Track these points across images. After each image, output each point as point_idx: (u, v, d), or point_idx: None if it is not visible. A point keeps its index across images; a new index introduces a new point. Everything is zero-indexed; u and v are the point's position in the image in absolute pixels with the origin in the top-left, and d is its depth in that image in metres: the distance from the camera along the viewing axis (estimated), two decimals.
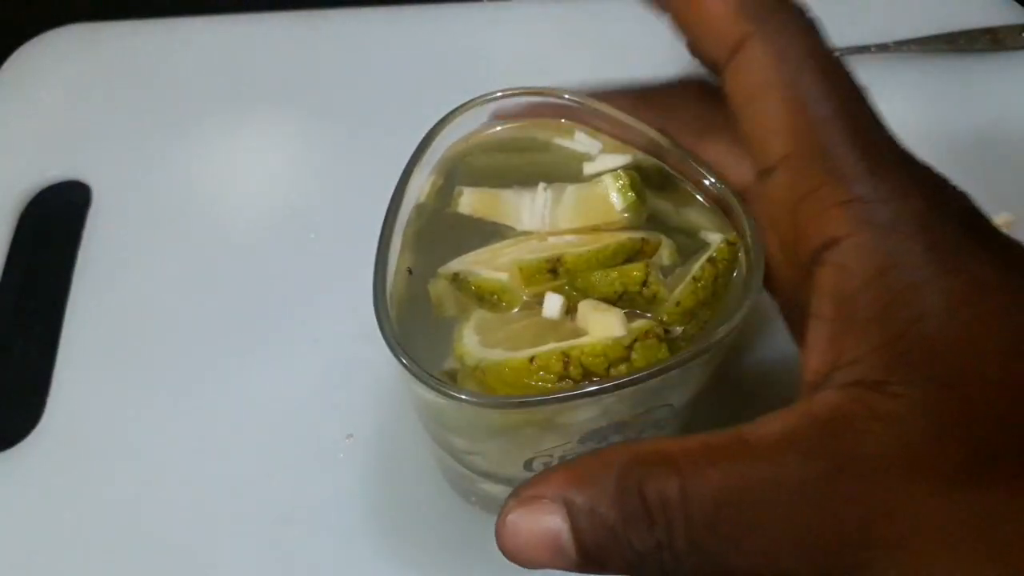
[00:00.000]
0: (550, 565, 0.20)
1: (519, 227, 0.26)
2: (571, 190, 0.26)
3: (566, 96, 0.26)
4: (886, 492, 0.18)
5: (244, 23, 0.49)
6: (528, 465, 0.25)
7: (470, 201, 0.26)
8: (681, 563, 0.19)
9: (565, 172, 0.26)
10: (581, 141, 0.27)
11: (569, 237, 0.25)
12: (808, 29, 0.22)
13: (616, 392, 0.21)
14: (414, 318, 0.24)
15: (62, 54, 0.48)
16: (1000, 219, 0.40)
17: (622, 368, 0.22)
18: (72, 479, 0.35)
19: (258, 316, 0.38)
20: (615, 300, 0.23)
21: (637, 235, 0.25)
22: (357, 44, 0.48)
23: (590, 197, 0.26)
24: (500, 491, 0.29)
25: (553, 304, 0.23)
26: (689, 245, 0.25)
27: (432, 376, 0.21)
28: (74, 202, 0.42)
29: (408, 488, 0.34)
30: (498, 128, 0.27)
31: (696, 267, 0.24)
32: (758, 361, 0.36)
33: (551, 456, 0.24)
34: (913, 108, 0.45)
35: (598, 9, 0.45)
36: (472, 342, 0.23)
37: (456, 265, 0.25)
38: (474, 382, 0.23)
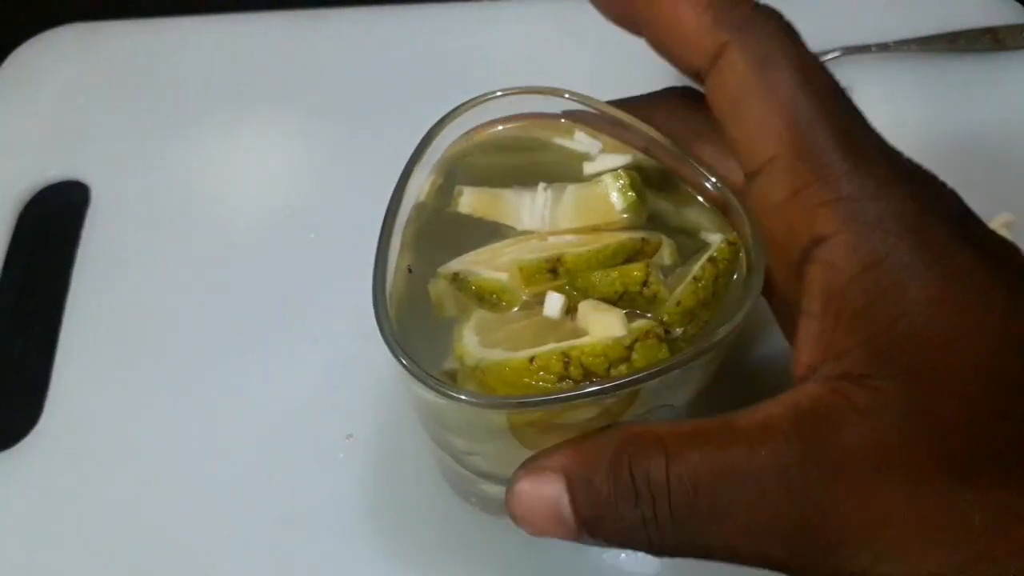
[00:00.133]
0: (554, 533, 0.22)
1: (519, 227, 0.26)
2: (571, 190, 0.26)
3: (566, 96, 0.26)
4: (857, 481, 0.19)
5: (243, 22, 0.49)
6: None
7: (470, 201, 0.26)
8: (665, 538, 0.20)
9: (565, 172, 0.26)
10: (581, 141, 0.27)
11: (569, 237, 0.25)
12: (784, 32, 0.22)
13: (616, 392, 0.21)
14: (414, 318, 0.24)
15: (61, 53, 0.48)
16: (1000, 219, 0.40)
17: (622, 368, 0.22)
18: (71, 479, 0.35)
19: (258, 316, 0.38)
20: (615, 300, 0.23)
21: (637, 235, 0.25)
22: (357, 43, 0.48)
23: (590, 197, 0.26)
24: (500, 491, 0.29)
25: (554, 303, 0.23)
26: (689, 245, 0.25)
27: (432, 376, 0.21)
28: (73, 202, 0.42)
29: (408, 488, 0.34)
30: (498, 128, 0.27)
31: (697, 267, 0.24)
32: (758, 361, 0.36)
33: None
34: (913, 108, 0.45)
35: None
36: (472, 342, 0.23)
37: (456, 265, 0.25)
38: (474, 382, 0.23)
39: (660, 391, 0.23)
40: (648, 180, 0.26)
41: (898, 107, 0.45)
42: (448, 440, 0.27)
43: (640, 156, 0.26)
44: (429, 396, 0.22)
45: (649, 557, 0.33)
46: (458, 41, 0.48)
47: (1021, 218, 0.40)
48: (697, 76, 0.23)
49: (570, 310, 0.23)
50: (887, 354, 0.20)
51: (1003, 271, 0.20)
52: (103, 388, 0.37)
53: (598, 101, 0.26)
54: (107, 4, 0.50)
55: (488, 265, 0.24)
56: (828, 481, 0.19)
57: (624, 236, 0.25)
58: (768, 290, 0.24)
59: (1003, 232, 0.27)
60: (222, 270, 0.40)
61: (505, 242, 0.25)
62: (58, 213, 0.42)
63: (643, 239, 0.24)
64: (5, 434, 0.36)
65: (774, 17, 0.22)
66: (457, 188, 0.26)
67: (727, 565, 0.21)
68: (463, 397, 0.21)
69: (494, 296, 0.24)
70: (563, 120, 0.27)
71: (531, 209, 0.26)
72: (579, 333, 0.23)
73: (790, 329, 0.23)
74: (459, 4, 0.49)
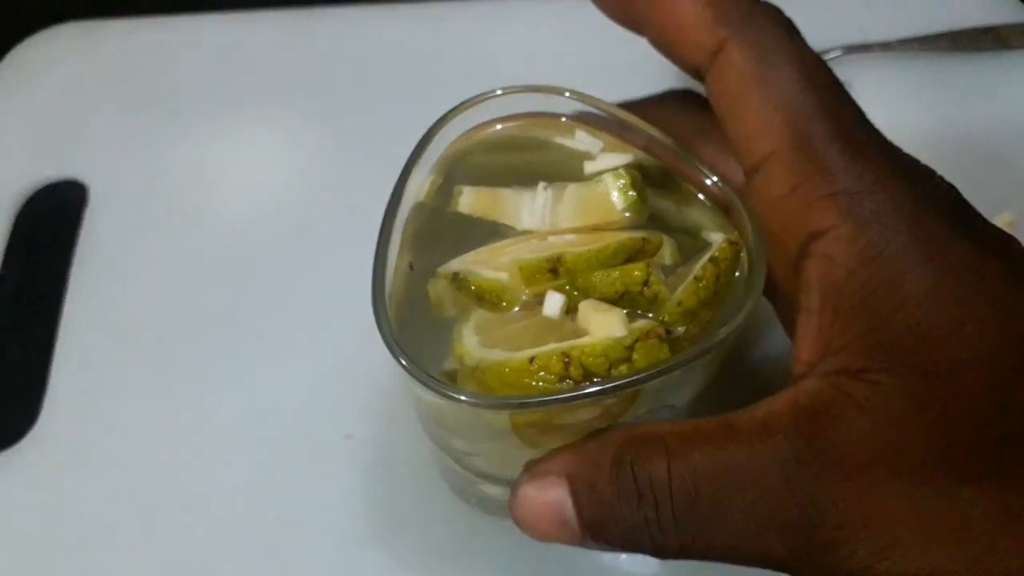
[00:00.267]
0: (558, 538, 0.22)
1: (519, 226, 0.25)
2: (571, 189, 0.26)
3: (566, 95, 0.26)
4: (857, 476, 0.19)
5: (243, 21, 0.49)
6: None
7: (470, 200, 0.26)
8: (668, 539, 0.20)
9: (565, 171, 0.26)
10: (582, 140, 0.27)
11: (569, 236, 0.25)
12: (784, 28, 0.22)
13: (617, 393, 0.21)
14: (414, 318, 0.24)
15: (59, 52, 0.47)
16: (1001, 219, 0.40)
17: (623, 368, 0.22)
18: (69, 480, 0.35)
19: (257, 316, 0.38)
20: (616, 300, 0.23)
21: (638, 234, 0.24)
22: (357, 42, 0.48)
23: (591, 196, 0.25)
24: (499, 492, 0.29)
25: (553, 303, 0.23)
26: (691, 245, 0.25)
27: (432, 377, 0.21)
28: (71, 201, 0.42)
29: (408, 489, 0.34)
30: (498, 127, 0.27)
31: (698, 267, 0.24)
32: (760, 361, 0.36)
33: None
34: (915, 107, 0.45)
35: None
36: (472, 342, 0.23)
37: (456, 265, 0.25)
38: (474, 382, 0.22)
39: (661, 391, 0.23)
40: (649, 179, 0.26)
41: (900, 106, 0.45)
42: (448, 440, 0.27)
43: (641, 155, 0.26)
44: (429, 396, 0.22)
45: (648, 558, 0.33)
46: (458, 40, 0.48)
47: (1021, 218, 0.40)
48: (697, 73, 0.23)
49: (570, 310, 0.23)
50: (885, 348, 0.20)
51: (1003, 263, 0.20)
52: (101, 388, 0.37)
53: (598, 100, 0.26)
54: (105, 3, 0.49)
55: (488, 265, 0.24)
56: (826, 476, 0.19)
57: (625, 236, 0.24)
58: (769, 288, 0.24)
59: None
60: (221, 270, 0.40)
61: (505, 242, 0.25)
62: (56, 212, 0.42)
63: (644, 239, 0.24)
64: (3, 434, 0.36)
65: (774, 13, 0.22)
66: (457, 187, 0.26)
67: (728, 566, 0.21)
68: (463, 397, 0.21)
69: (494, 296, 0.24)
70: (563, 119, 0.27)
71: (531, 208, 0.26)
72: (579, 333, 0.22)
73: (792, 326, 0.23)
74: (459, 3, 0.49)
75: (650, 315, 0.23)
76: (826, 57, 0.45)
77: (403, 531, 0.33)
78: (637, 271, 0.23)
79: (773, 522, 0.19)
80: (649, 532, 0.20)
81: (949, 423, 0.19)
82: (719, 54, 0.22)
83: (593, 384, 0.21)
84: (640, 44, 0.24)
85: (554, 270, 0.24)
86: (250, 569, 0.33)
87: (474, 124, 0.27)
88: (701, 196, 0.26)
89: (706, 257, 0.24)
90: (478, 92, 0.26)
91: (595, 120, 0.27)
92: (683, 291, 0.23)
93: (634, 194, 0.25)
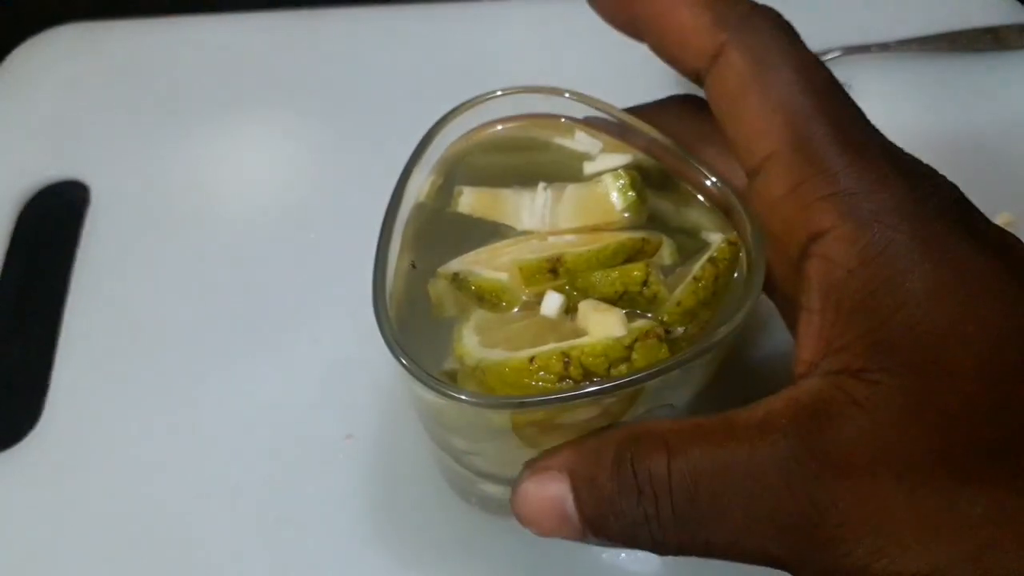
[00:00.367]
0: (560, 533, 0.22)
1: (519, 227, 0.25)
2: (571, 190, 0.26)
3: (566, 95, 0.26)
4: (855, 475, 0.19)
5: (243, 22, 0.49)
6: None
7: (470, 201, 0.26)
8: (667, 535, 0.20)
9: (565, 172, 0.26)
10: (581, 140, 0.27)
11: (569, 237, 0.25)
12: (782, 31, 0.22)
13: (617, 392, 0.21)
14: (414, 318, 0.24)
15: (60, 53, 0.48)
16: (1000, 219, 0.40)
17: (622, 368, 0.22)
18: (71, 479, 0.35)
19: (258, 316, 0.38)
20: (615, 300, 0.23)
21: (637, 235, 0.25)
22: (357, 43, 0.48)
23: (590, 197, 0.25)
24: (500, 491, 0.29)
25: (552, 302, 0.23)
26: (690, 245, 0.25)
27: (432, 376, 0.21)
28: (73, 202, 0.42)
29: (408, 488, 0.34)
30: (498, 128, 0.27)
31: (697, 267, 0.24)
32: (759, 360, 0.36)
33: None
34: (914, 108, 0.45)
35: None
36: (472, 342, 0.23)
37: (456, 265, 0.25)
38: (474, 382, 0.23)
39: (660, 391, 0.23)
40: (648, 180, 0.26)
41: (899, 107, 0.45)
42: (448, 440, 0.27)
43: (640, 156, 0.26)
44: (429, 396, 0.22)
45: (648, 556, 0.33)
46: (458, 41, 0.48)
47: (1021, 218, 0.40)
48: (698, 78, 0.23)
49: (570, 310, 0.23)
50: (885, 347, 0.20)
51: (1004, 262, 0.20)
52: (103, 388, 0.37)
53: (598, 100, 0.26)
54: (106, 4, 0.50)
55: (488, 265, 0.24)
56: (825, 476, 0.19)
57: (624, 236, 0.24)
58: (769, 288, 0.24)
59: None
60: (222, 270, 0.40)
61: (505, 242, 0.25)
62: (58, 213, 0.42)
63: (643, 239, 0.24)
64: (5, 434, 0.36)
65: (772, 16, 0.22)
66: (457, 188, 0.26)
67: (727, 564, 0.21)
68: (463, 397, 0.21)
69: (494, 296, 0.24)
70: (563, 120, 0.27)
71: (531, 209, 0.26)
72: (579, 333, 0.23)
73: (795, 326, 0.23)
74: (460, 4, 0.49)
75: (649, 315, 0.23)
76: (826, 58, 0.45)
77: (404, 530, 0.34)
78: (636, 271, 0.23)
79: (772, 520, 0.20)
80: (649, 528, 0.20)
81: (949, 423, 0.19)
82: (718, 58, 0.22)
83: (593, 384, 0.21)
84: (639, 46, 0.24)
85: (554, 270, 0.24)
86: (251, 569, 0.33)
87: (474, 125, 0.27)
88: (700, 197, 0.26)
89: (705, 257, 0.24)
90: (478, 93, 0.26)
91: (595, 121, 0.27)
92: (682, 291, 0.23)
93: (633, 195, 0.25)
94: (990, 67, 0.46)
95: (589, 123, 0.27)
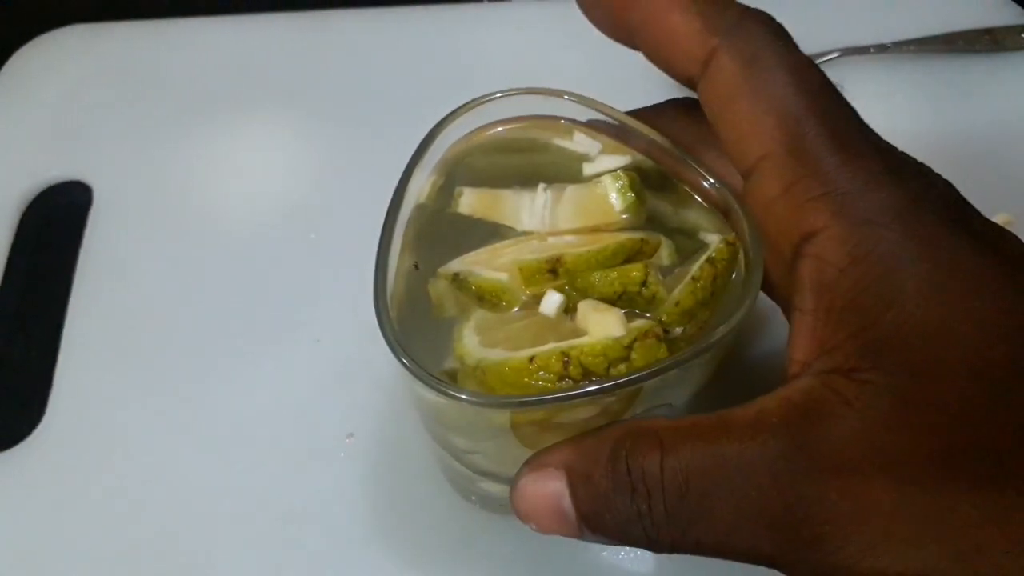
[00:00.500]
0: (557, 529, 0.22)
1: (519, 227, 0.26)
2: (571, 190, 0.26)
3: (566, 97, 0.26)
4: (845, 474, 0.19)
5: (244, 24, 0.49)
6: None
7: (470, 201, 0.26)
8: (660, 532, 0.20)
9: (565, 172, 0.27)
10: (581, 142, 0.27)
11: (569, 237, 0.25)
12: (774, 34, 0.22)
13: (616, 392, 0.21)
14: (414, 318, 0.24)
15: (63, 55, 0.48)
16: (998, 220, 0.40)
17: (622, 368, 0.22)
18: (73, 479, 0.35)
19: (259, 316, 0.39)
20: (615, 300, 0.23)
21: (636, 235, 0.25)
22: (357, 44, 0.48)
23: (590, 197, 0.26)
24: (500, 490, 0.29)
25: (551, 302, 0.23)
26: (688, 245, 0.25)
27: (432, 376, 0.21)
28: (75, 202, 0.42)
29: (408, 488, 0.34)
30: (498, 129, 0.27)
31: (695, 267, 0.24)
32: (758, 360, 0.36)
33: None
34: (911, 109, 0.45)
35: None
36: (472, 342, 0.23)
37: (456, 265, 0.25)
38: (474, 382, 0.23)
39: (659, 390, 0.23)
40: (647, 181, 0.26)
41: (896, 108, 0.45)
42: (448, 439, 0.27)
43: (639, 157, 0.27)
44: (430, 396, 0.22)
45: (647, 555, 0.33)
46: (459, 42, 0.48)
47: (1020, 219, 0.40)
48: (691, 83, 0.23)
49: (569, 310, 0.24)
50: (876, 346, 0.20)
51: (999, 260, 0.20)
52: (105, 388, 0.37)
53: (598, 102, 0.26)
54: (108, 6, 0.50)
55: (488, 265, 0.24)
56: (815, 474, 0.19)
57: (623, 236, 0.25)
58: (768, 288, 0.24)
59: None
60: (224, 270, 0.40)
61: (505, 242, 0.25)
62: (60, 214, 0.42)
63: (642, 239, 0.25)
64: (8, 434, 0.36)
65: (763, 19, 0.22)
66: (457, 189, 0.26)
67: (727, 564, 0.21)
68: (464, 397, 0.21)
69: (494, 296, 0.24)
70: (563, 121, 0.27)
71: (531, 210, 0.26)
72: (579, 333, 0.23)
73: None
74: (460, 6, 0.49)
75: (648, 315, 0.23)
76: (824, 59, 0.45)
77: (404, 528, 0.34)
78: (635, 271, 0.23)
79: (761, 518, 0.20)
80: (642, 525, 0.20)
81: (939, 422, 0.19)
82: (710, 63, 0.22)
83: (592, 383, 0.21)
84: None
85: (554, 270, 0.24)
86: (252, 567, 0.33)
87: (475, 126, 0.27)
88: (698, 197, 0.26)
89: (703, 258, 0.24)
90: (479, 94, 0.26)
91: (595, 123, 0.27)
92: (681, 291, 0.23)
93: (632, 196, 0.25)
94: (986, 68, 0.46)
95: (589, 125, 0.27)
